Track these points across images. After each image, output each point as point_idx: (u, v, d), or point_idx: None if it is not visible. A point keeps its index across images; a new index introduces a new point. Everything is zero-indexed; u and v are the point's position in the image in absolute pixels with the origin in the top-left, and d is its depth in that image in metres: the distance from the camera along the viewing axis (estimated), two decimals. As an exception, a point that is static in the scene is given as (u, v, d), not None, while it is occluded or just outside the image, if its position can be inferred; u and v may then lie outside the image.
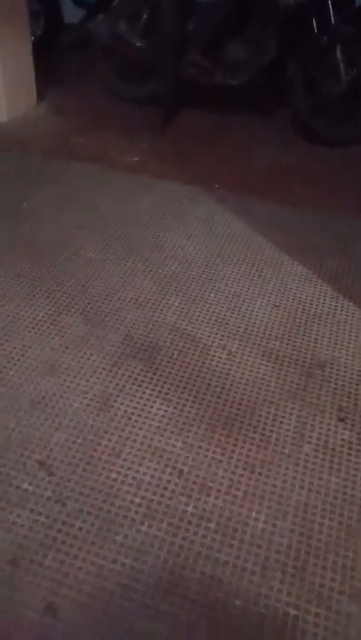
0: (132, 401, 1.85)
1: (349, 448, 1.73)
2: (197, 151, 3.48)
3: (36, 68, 3.82)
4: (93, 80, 4.17)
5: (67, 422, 1.76)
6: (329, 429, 1.78)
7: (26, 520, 1.50)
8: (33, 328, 2.10)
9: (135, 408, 1.82)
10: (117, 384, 1.90)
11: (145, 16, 3.64)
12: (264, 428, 1.77)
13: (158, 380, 1.93)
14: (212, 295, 2.32)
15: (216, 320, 2.19)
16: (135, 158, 3.34)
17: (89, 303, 2.24)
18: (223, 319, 2.20)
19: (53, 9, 4.60)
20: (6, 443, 1.68)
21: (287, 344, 2.09)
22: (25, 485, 1.58)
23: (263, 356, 2.03)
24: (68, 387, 1.88)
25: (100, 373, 1.94)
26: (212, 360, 2.01)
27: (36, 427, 1.74)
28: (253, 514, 1.54)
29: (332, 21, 3.27)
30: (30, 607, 1.33)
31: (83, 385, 1.89)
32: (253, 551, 1.47)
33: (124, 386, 1.90)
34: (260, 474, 1.64)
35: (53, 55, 4.56)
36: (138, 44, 3.68)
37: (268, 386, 1.91)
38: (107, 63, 4.01)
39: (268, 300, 2.30)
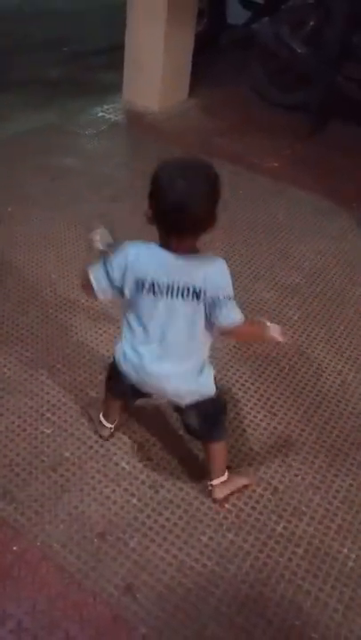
0: (235, 406, 1.84)
1: None
2: (339, 166, 3.38)
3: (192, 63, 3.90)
4: (243, 82, 4.18)
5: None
6: None
7: (119, 498, 1.54)
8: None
9: (238, 414, 1.81)
10: (223, 386, 1.90)
11: (312, 23, 3.59)
12: (370, 466, 1.68)
13: (265, 391, 1.90)
14: (335, 315, 2.24)
15: (335, 343, 2.11)
16: (275, 164, 3.31)
17: (208, 301, 2.25)
18: (343, 344, 2.11)
19: (218, 8, 4.65)
20: (112, 419, 1.74)
21: None
22: (123, 464, 1.63)
23: (380, 391, 1.93)
24: (177, 378, 1.90)
25: (209, 372, 1.94)
26: (324, 383, 1.95)
27: (140, 410, 1.78)
28: (345, 550, 1.47)
29: None
30: (111, 583, 1.37)
31: (190, 380, 1.90)
32: (339, 588, 1.40)
33: (229, 389, 1.89)
34: (357, 511, 1.56)
35: (209, 53, 4.63)
36: (299, 50, 3.63)
37: (380, 423, 1.82)
38: (261, 67, 4.00)
39: (394, 333, 2.19)
